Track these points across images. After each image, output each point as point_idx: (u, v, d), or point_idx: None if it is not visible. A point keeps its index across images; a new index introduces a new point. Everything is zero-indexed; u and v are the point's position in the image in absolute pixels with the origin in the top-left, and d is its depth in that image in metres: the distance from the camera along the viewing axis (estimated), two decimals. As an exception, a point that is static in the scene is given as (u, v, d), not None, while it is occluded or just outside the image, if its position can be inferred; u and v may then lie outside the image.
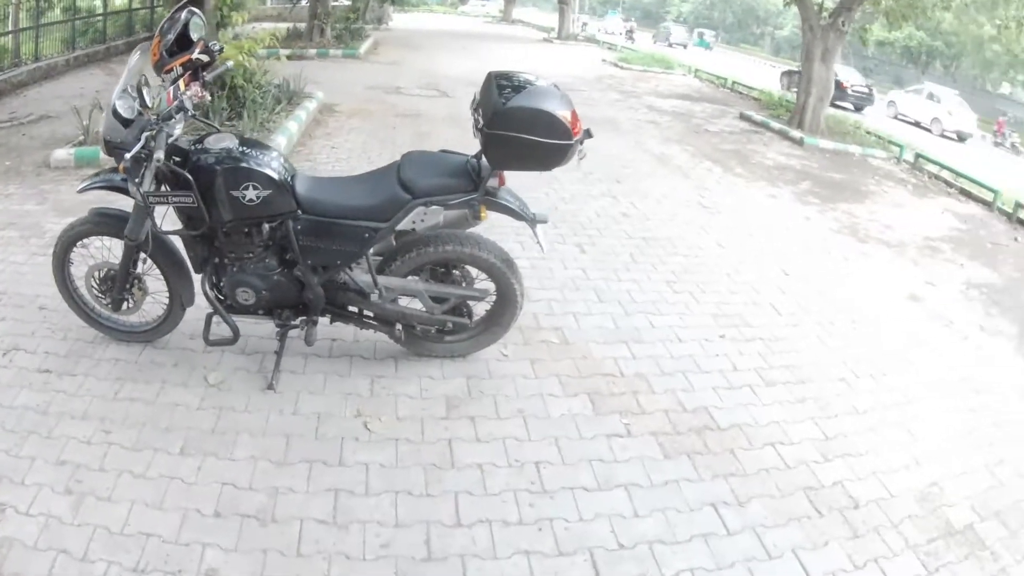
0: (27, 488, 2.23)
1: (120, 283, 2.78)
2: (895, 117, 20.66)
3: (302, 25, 15.44)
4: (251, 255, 2.65)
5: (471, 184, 2.63)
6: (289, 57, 12.59)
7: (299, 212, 2.61)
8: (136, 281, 2.80)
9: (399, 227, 2.64)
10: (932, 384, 3.52)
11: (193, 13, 2.54)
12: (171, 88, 2.43)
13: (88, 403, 2.63)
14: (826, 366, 3.52)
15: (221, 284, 2.73)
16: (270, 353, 2.95)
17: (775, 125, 10.11)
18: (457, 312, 2.95)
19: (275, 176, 2.52)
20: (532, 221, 2.74)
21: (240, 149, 2.54)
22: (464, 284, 2.91)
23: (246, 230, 2.61)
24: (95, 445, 2.43)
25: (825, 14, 10.06)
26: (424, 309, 2.89)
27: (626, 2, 45.78)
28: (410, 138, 7.19)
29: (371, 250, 2.72)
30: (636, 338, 3.51)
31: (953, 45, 32.52)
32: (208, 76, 2.64)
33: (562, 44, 22.84)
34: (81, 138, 5.79)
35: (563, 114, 2.47)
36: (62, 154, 5.41)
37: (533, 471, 2.49)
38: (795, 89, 11.49)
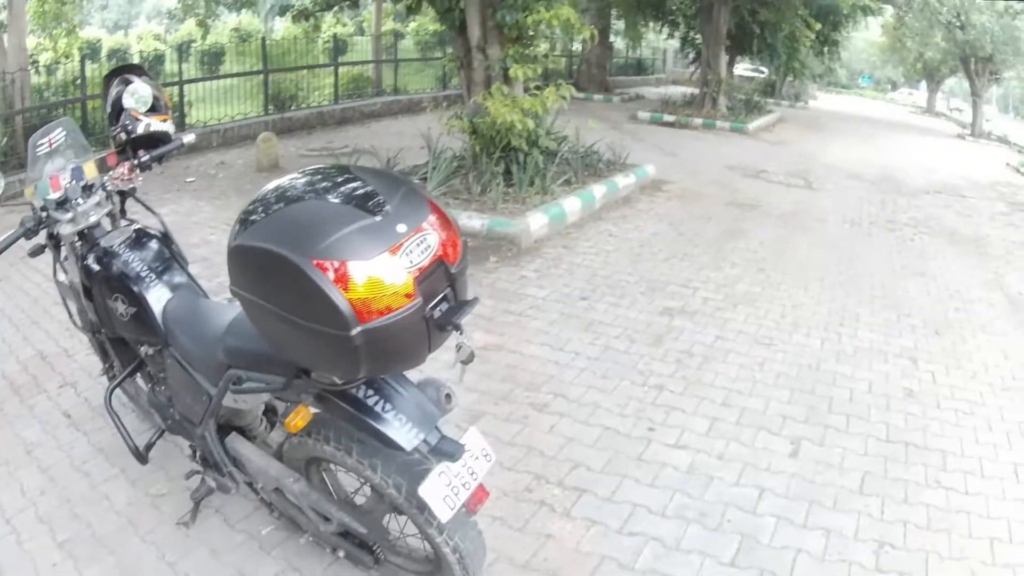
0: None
1: None
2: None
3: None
4: (162, 374, 2.12)
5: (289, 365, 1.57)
6: (674, 124, 12.43)
7: (167, 343, 1.99)
8: None
9: (224, 402, 1.78)
10: None
11: (127, 81, 2.08)
12: (67, 170, 2.03)
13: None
14: None
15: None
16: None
17: None
18: (360, 541, 1.94)
19: (140, 291, 1.97)
20: (428, 455, 1.52)
21: (121, 249, 2.04)
22: (377, 506, 1.83)
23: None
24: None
25: None
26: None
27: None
28: (716, 235, 5.95)
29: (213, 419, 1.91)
30: None
31: None
32: (145, 157, 2.09)
33: (973, 142, 18.72)
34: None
35: (331, 264, 1.26)
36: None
37: None
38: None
